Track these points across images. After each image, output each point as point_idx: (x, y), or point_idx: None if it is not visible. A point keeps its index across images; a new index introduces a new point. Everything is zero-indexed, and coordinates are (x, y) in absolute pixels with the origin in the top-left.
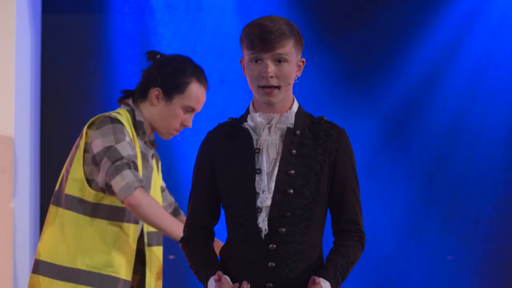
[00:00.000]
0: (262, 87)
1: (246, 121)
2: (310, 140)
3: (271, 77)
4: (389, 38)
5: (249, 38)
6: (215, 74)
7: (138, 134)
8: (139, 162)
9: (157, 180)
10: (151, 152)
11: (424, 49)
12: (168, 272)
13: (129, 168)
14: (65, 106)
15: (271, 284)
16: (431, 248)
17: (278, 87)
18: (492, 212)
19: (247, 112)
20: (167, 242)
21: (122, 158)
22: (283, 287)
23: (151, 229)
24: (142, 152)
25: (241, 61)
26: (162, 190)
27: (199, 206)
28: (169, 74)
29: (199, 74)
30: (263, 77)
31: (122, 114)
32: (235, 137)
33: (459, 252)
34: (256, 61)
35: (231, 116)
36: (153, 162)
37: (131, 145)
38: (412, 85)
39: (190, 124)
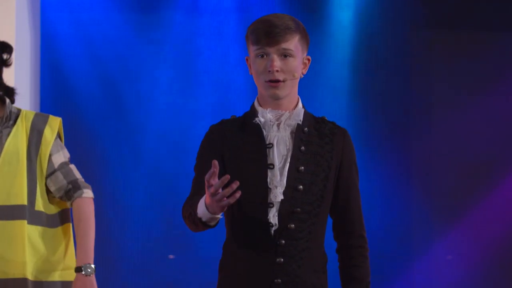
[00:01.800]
0: (268, 81)
1: (256, 117)
2: (316, 137)
3: (277, 71)
4: (390, 37)
5: (255, 33)
6: (213, 75)
7: None
8: None
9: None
10: None
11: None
12: (168, 272)
13: None
14: (64, 105)
15: (279, 280)
16: (431, 248)
17: (284, 81)
18: (492, 211)
19: (253, 109)
20: (167, 241)
21: None
22: (291, 283)
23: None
24: None
25: (246, 59)
26: (52, 172)
27: (201, 191)
28: None
29: None
30: (269, 71)
31: None
32: (244, 132)
33: (459, 252)
34: (262, 56)
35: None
36: (9, 138)
37: None
38: (412, 83)
39: None
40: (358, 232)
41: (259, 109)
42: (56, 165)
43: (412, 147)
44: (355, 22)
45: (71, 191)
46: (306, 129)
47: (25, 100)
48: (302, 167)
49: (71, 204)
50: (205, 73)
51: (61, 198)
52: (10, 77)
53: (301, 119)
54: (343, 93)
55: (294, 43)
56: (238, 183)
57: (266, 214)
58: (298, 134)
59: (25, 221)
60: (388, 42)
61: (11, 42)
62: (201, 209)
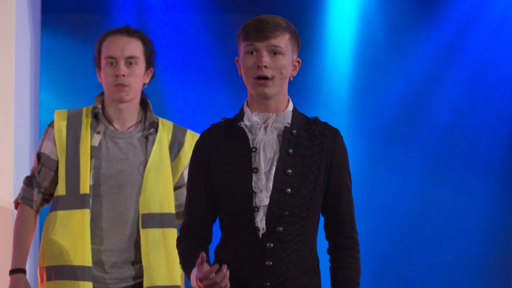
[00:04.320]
0: (257, 78)
1: (242, 120)
2: (306, 139)
3: (265, 67)
4: (390, 37)
5: (245, 29)
6: (214, 74)
7: (96, 123)
8: (86, 154)
9: (160, 168)
10: (136, 136)
11: (425, 48)
12: None
13: (24, 183)
14: (65, 106)
15: (268, 283)
16: (431, 248)
17: (272, 79)
18: (491, 211)
19: (242, 111)
20: None
21: (31, 171)
22: (280, 286)
23: (147, 210)
24: (103, 141)
25: (237, 60)
26: (179, 187)
27: (196, 206)
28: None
29: (108, 31)
30: (258, 67)
31: (82, 109)
32: (231, 136)
33: (459, 251)
34: (252, 52)
35: (225, 116)
36: (154, 146)
37: (43, 154)
38: (412, 84)
39: (120, 71)
40: (348, 233)
41: (247, 111)
42: (185, 180)
43: (413, 148)
44: (355, 26)
45: None
46: (294, 131)
47: (25, 100)
48: (290, 170)
49: None
50: (211, 73)
51: (177, 214)
52: (9, 76)
53: (289, 122)
54: (343, 98)
55: (284, 41)
56: (227, 270)
57: (253, 218)
58: (286, 136)
59: (176, 229)
60: (390, 43)
61: (11, 43)
62: (193, 278)
